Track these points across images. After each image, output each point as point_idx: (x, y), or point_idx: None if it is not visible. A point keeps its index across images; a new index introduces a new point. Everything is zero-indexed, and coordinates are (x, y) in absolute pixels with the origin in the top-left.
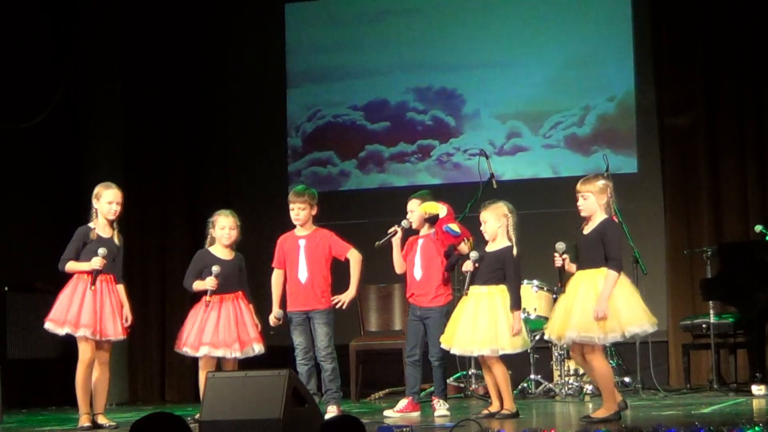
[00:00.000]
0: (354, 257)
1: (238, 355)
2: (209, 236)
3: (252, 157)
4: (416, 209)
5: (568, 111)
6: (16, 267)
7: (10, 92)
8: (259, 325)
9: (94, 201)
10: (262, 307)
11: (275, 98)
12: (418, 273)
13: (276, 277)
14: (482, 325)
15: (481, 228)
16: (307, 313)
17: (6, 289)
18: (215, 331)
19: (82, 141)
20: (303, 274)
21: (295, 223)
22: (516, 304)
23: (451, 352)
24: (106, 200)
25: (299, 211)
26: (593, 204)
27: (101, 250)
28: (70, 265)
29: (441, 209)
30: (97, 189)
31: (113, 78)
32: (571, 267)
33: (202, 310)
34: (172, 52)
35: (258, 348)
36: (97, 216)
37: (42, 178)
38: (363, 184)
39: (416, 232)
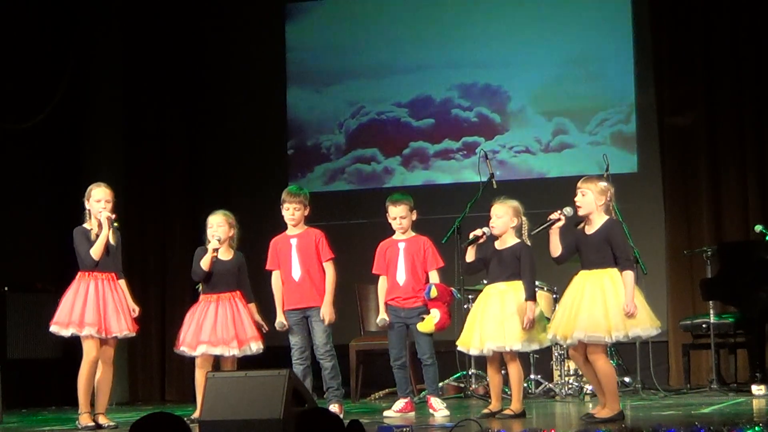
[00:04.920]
0: (328, 271)
1: (236, 353)
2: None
3: (252, 157)
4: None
5: (614, 108)
6: (16, 267)
7: (10, 92)
8: (265, 326)
9: (85, 202)
10: (263, 309)
11: (276, 98)
12: (401, 277)
13: (275, 280)
14: (512, 320)
15: (491, 222)
16: (304, 311)
17: (6, 289)
18: (213, 330)
19: (82, 141)
20: (296, 273)
21: (289, 223)
22: (531, 295)
23: (484, 351)
24: (95, 199)
25: (294, 211)
26: (591, 202)
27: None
28: (96, 250)
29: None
30: (89, 189)
31: (113, 78)
32: (556, 231)
33: (199, 310)
34: (172, 53)
35: (256, 346)
36: (90, 216)
37: (42, 178)
38: (407, 182)
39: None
